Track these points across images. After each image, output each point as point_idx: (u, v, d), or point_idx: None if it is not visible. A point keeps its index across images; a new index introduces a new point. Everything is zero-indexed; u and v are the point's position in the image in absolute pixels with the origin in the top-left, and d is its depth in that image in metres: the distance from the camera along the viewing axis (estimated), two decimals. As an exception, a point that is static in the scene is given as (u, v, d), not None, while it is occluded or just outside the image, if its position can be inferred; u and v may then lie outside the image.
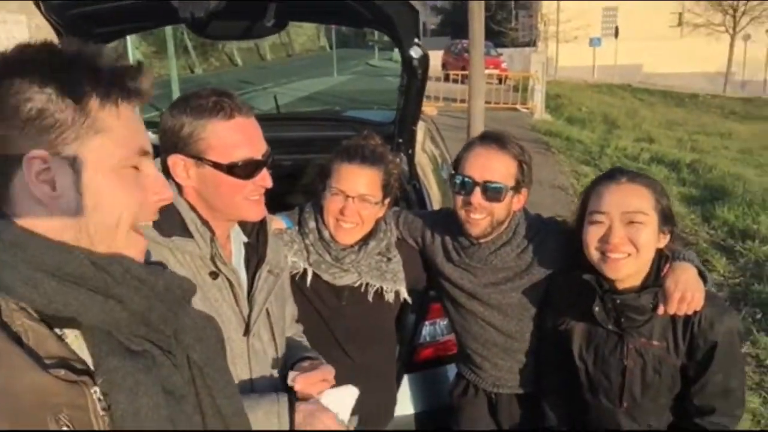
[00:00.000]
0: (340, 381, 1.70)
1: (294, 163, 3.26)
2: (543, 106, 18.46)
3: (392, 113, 2.96)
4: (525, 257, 2.13)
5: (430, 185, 3.44)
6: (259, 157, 1.52)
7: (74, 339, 0.84)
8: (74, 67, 0.87)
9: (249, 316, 1.59)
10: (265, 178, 1.55)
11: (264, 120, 3.08)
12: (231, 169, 1.48)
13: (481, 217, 2.04)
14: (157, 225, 1.44)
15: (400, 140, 2.87)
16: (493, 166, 2.02)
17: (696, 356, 1.82)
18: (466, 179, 2.03)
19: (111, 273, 0.85)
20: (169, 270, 0.95)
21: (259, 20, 2.68)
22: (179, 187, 1.54)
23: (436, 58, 24.27)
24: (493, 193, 2.01)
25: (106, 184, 0.89)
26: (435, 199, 3.19)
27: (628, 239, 1.79)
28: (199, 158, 1.49)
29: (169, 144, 1.51)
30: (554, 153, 12.89)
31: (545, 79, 19.04)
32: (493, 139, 2.07)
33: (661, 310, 1.80)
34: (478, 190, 2.01)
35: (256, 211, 1.59)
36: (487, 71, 15.32)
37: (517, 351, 2.21)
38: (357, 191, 2.01)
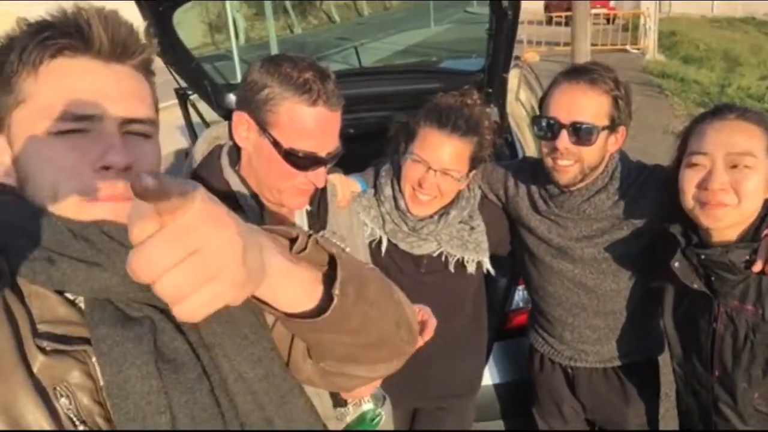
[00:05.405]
0: (422, 353, 1.57)
1: (377, 121, 3.12)
2: (655, 46, 17.23)
3: (482, 61, 2.74)
4: (622, 206, 1.88)
5: (525, 138, 3.20)
6: (322, 154, 1.42)
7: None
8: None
9: None
10: (319, 176, 1.44)
11: (347, 76, 2.96)
12: (288, 156, 1.39)
13: (569, 163, 1.81)
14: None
15: (490, 89, 2.64)
16: (582, 105, 1.78)
17: None
18: (551, 121, 1.81)
19: (88, 239, 0.79)
20: None
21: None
22: (237, 151, 1.48)
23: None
24: (582, 135, 1.77)
25: (33, 155, 0.83)
26: (530, 154, 2.96)
27: (730, 186, 1.52)
28: (263, 128, 1.40)
29: (243, 98, 1.42)
30: (668, 96, 12.04)
31: (658, 17, 17.77)
32: (581, 73, 1.82)
33: (756, 267, 1.52)
34: (564, 133, 1.78)
35: (297, 202, 1.50)
36: (593, 11, 14.51)
37: (609, 315, 1.99)
38: (441, 164, 1.83)
